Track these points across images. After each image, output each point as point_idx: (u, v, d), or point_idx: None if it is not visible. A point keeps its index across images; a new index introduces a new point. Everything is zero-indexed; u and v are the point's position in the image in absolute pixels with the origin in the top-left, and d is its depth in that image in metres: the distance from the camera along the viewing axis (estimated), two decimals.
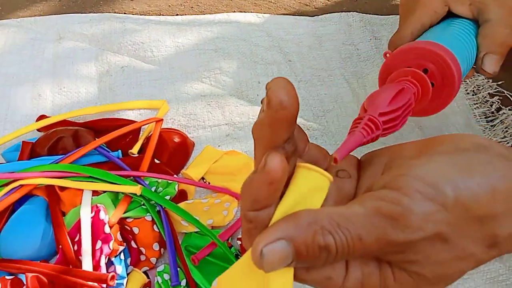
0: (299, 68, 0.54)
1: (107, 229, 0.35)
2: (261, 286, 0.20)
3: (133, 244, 0.37)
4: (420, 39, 0.37)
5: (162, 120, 0.46)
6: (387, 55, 0.36)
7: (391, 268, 0.21)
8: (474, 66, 0.38)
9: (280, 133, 0.20)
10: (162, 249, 0.38)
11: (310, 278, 0.21)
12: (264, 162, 0.19)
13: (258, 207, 0.20)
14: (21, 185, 0.37)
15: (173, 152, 0.44)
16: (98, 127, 0.45)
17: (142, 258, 0.38)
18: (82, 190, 0.38)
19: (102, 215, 0.35)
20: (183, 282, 0.36)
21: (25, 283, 0.35)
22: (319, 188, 0.21)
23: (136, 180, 0.40)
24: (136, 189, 0.38)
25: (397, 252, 0.20)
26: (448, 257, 0.20)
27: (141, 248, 0.37)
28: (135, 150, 0.44)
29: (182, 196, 0.42)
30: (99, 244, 0.34)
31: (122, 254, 0.36)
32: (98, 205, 0.36)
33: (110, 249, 0.34)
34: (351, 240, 0.19)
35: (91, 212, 0.36)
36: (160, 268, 0.37)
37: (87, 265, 0.34)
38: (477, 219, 0.20)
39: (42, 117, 0.46)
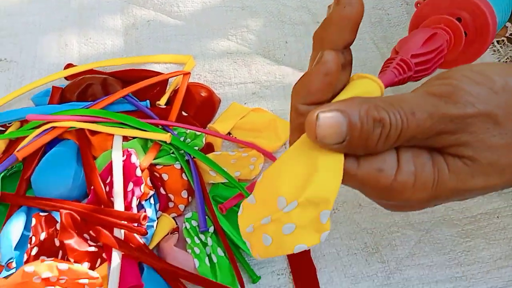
0: None
1: (138, 172, 0.35)
2: (308, 176, 0.20)
3: (162, 191, 0.38)
4: None
5: (189, 73, 0.45)
6: (419, 4, 0.35)
7: (444, 158, 0.20)
8: (508, 25, 0.37)
9: (343, 32, 0.21)
10: (190, 197, 0.39)
11: (361, 173, 0.20)
12: (321, 55, 0.20)
13: (311, 100, 0.20)
14: (53, 127, 0.38)
15: (200, 106, 0.44)
16: (125, 77, 0.45)
17: (171, 205, 0.38)
18: (113, 135, 0.38)
19: (134, 158, 0.35)
20: (211, 229, 0.36)
21: (58, 220, 0.36)
22: (370, 94, 0.21)
23: (165, 129, 0.40)
24: (166, 136, 0.38)
25: (450, 132, 0.19)
26: (501, 142, 0.19)
27: (170, 195, 0.38)
28: (162, 101, 0.44)
29: (209, 149, 0.42)
30: (130, 186, 0.34)
31: (151, 198, 0.36)
32: (129, 149, 0.36)
33: (141, 192, 0.34)
34: (404, 116, 0.19)
35: (123, 156, 0.36)
36: (188, 215, 0.37)
37: (119, 205, 0.34)
38: None
39: (69, 65, 0.46)
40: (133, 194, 0.34)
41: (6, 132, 0.41)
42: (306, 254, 0.38)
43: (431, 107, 0.19)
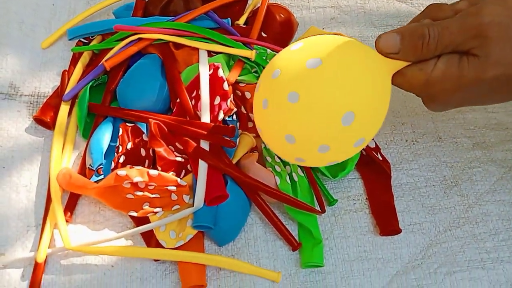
0: None
1: (226, 86, 0.35)
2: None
3: (243, 109, 0.38)
4: None
5: None
6: None
7: (467, 57, 0.28)
8: None
9: None
10: None
11: (409, 72, 0.29)
12: None
13: None
14: (139, 39, 0.38)
15: (279, 28, 0.43)
16: None
17: (250, 124, 0.38)
18: (197, 49, 0.38)
19: (221, 72, 0.35)
20: None
21: (143, 131, 0.37)
22: None
23: (247, 47, 0.39)
24: (251, 53, 0.37)
25: (473, 37, 0.27)
26: (509, 44, 0.27)
27: (250, 114, 0.38)
28: (241, 20, 0.42)
29: None
30: (217, 100, 0.35)
31: (234, 116, 0.37)
32: (216, 63, 0.36)
33: (227, 106, 0.34)
34: (441, 30, 0.28)
35: (209, 70, 0.36)
36: None
37: (205, 119, 0.34)
38: None
39: None
40: (219, 108, 0.34)
41: (90, 45, 0.41)
42: (385, 181, 0.38)
43: (461, 21, 0.27)
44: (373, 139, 0.39)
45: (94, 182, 0.35)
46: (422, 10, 0.31)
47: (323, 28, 0.45)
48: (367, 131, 0.29)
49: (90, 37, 0.42)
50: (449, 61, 0.28)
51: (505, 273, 0.35)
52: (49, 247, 0.34)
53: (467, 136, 0.41)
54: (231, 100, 0.35)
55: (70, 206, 0.36)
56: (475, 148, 0.40)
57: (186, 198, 0.34)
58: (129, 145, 0.36)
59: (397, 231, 0.36)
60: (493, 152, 0.40)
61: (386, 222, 0.36)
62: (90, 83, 0.38)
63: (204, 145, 0.34)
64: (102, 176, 0.36)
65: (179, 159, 0.35)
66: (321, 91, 0.27)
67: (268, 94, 0.29)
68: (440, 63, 0.28)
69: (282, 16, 0.43)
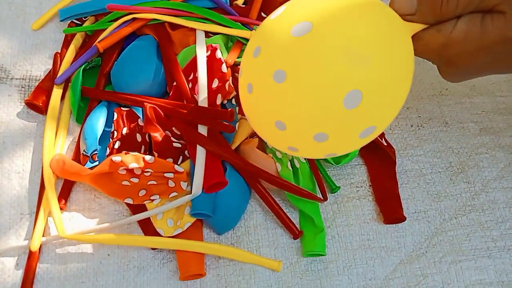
0: None
1: (224, 68, 0.33)
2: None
3: None
4: None
5: None
6: None
7: (491, 15, 0.25)
8: None
9: None
10: None
11: (426, 35, 0.26)
12: None
13: None
14: (134, 19, 0.36)
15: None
16: None
17: None
18: (194, 30, 0.36)
19: (219, 54, 0.34)
20: None
21: (139, 116, 0.35)
22: None
23: (246, 27, 0.38)
24: (250, 34, 0.36)
25: None
26: None
27: None
28: (240, 0, 0.41)
29: None
30: (215, 82, 0.33)
31: (233, 100, 0.35)
32: (213, 44, 0.34)
33: (226, 89, 0.33)
34: None
35: (207, 51, 0.34)
36: None
37: (203, 102, 0.33)
38: None
39: None
40: (218, 92, 0.33)
41: (83, 26, 0.40)
42: (389, 167, 0.36)
43: None
44: None
45: (89, 168, 0.34)
46: None
47: None
48: (379, 117, 0.24)
49: (83, 18, 0.40)
50: (471, 20, 0.26)
51: None
52: (43, 235, 0.33)
53: (474, 121, 0.39)
54: (229, 83, 0.34)
55: (64, 193, 0.35)
56: (483, 133, 0.39)
57: (183, 185, 0.33)
58: (125, 130, 0.35)
59: (402, 219, 0.35)
60: (501, 137, 0.39)
61: (390, 209, 0.35)
62: (83, 66, 0.37)
63: (202, 130, 0.33)
64: (96, 163, 0.35)
65: (176, 144, 0.33)
66: (313, 64, 0.22)
67: (251, 77, 0.25)
68: (461, 23, 0.26)
69: None
